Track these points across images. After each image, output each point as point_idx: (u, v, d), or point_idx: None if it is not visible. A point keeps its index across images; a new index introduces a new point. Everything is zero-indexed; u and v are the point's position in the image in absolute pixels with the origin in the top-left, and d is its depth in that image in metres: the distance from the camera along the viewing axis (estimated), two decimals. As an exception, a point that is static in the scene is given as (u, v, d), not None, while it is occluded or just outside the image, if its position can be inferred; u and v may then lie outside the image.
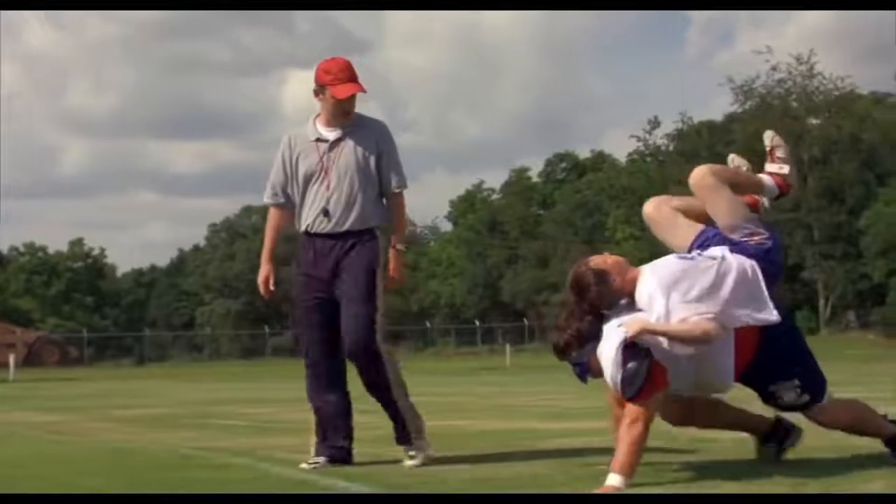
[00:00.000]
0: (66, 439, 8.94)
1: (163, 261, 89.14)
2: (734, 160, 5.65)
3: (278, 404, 13.81)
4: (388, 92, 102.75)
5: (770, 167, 5.52)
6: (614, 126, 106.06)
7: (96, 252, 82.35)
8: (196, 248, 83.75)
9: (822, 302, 50.16)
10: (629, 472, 4.69)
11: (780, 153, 5.55)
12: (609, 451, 5.62)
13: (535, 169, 70.48)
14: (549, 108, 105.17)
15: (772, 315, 4.94)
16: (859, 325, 49.30)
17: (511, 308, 62.03)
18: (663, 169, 53.59)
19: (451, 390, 17.52)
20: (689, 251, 5.14)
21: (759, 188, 5.45)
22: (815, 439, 5.64)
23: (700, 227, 5.23)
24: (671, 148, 55.22)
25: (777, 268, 5.18)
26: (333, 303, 5.82)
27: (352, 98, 5.77)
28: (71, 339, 59.84)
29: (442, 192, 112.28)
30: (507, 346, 41.29)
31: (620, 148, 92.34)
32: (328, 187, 5.79)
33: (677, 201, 5.35)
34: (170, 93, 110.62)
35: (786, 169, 5.50)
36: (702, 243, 5.15)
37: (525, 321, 56.22)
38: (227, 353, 66.72)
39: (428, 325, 61.92)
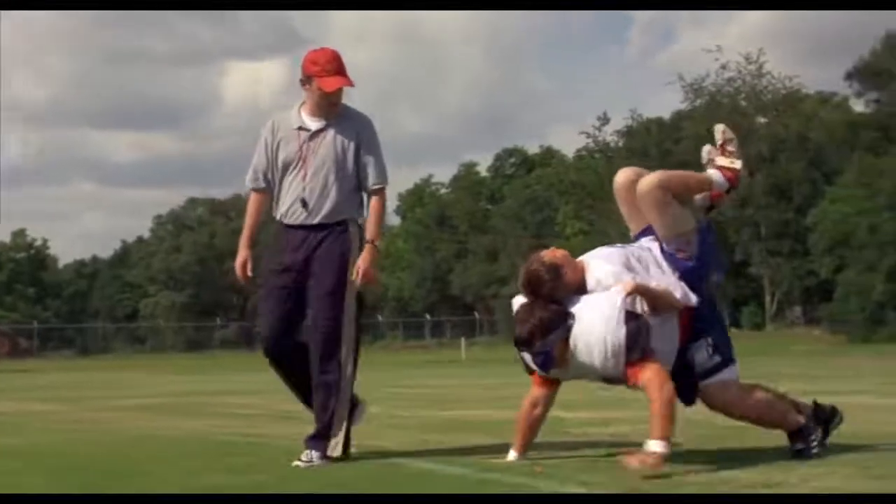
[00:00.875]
0: (96, 428, 8.87)
1: (101, 252, 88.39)
2: (725, 132, 5.62)
3: (264, 395, 13.72)
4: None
5: (721, 161, 5.54)
6: (557, 122, 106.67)
7: (39, 243, 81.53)
8: (140, 240, 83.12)
9: (768, 298, 50.91)
10: (670, 434, 4.78)
11: (731, 147, 5.57)
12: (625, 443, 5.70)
13: (484, 164, 70.92)
14: (492, 104, 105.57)
15: (691, 299, 5.17)
16: (805, 321, 50.10)
17: (460, 302, 62.33)
18: (612, 165, 54.10)
19: (435, 382, 17.52)
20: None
21: (708, 185, 5.50)
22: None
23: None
24: (620, 144, 55.67)
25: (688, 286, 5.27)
26: (300, 294, 5.74)
27: (339, 91, 5.76)
28: (20, 330, 59.43)
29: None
30: (462, 340, 41.56)
31: (567, 144, 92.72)
32: (304, 177, 5.74)
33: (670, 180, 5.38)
34: (109, 83, 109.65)
35: (738, 164, 5.53)
36: (641, 233, 5.46)
37: (476, 315, 56.48)
38: (171, 345, 66.31)
39: (380, 318, 61.97)
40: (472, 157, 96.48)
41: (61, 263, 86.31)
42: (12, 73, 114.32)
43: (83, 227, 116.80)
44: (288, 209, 5.77)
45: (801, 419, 5.37)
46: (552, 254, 5.23)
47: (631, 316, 4.90)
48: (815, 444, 5.32)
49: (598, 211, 53.77)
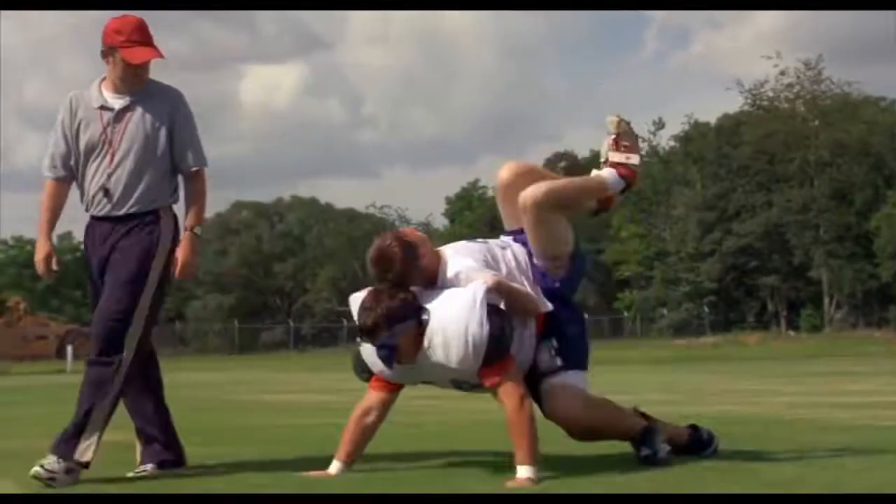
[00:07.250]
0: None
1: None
2: (619, 124, 5.20)
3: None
4: (347, 89, 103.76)
5: (616, 157, 5.10)
6: (574, 125, 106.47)
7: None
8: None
9: (826, 300, 51.48)
10: (536, 457, 4.47)
11: (626, 141, 5.14)
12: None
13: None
14: (507, 106, 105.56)
15: (547, 306, 4.84)
16: (865, 323, 50.63)
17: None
18: (669, 169, 54.84)
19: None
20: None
21: (602, 189, 5.10)
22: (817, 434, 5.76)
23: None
24: (677, 148, 56.25)
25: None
26: None
27: (146, 64, 5.22)
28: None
29: (405, 187, 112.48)
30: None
31: (584, 146, 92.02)
32: (111, 162, 5.16)
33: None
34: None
35: (634, 159, 5.11)
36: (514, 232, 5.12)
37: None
38: (214, 348, 66.84)
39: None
40: (482, 160, 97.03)
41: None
42: (28, 77, 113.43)
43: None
44: (93, 198, 5.23)
45: (643, 422, 5.02)
46: (411, 231, 4.84)
47: (494, 312, 4.51)
48: (664, 448, 4.95)
49: (655, 214, 54.44)
